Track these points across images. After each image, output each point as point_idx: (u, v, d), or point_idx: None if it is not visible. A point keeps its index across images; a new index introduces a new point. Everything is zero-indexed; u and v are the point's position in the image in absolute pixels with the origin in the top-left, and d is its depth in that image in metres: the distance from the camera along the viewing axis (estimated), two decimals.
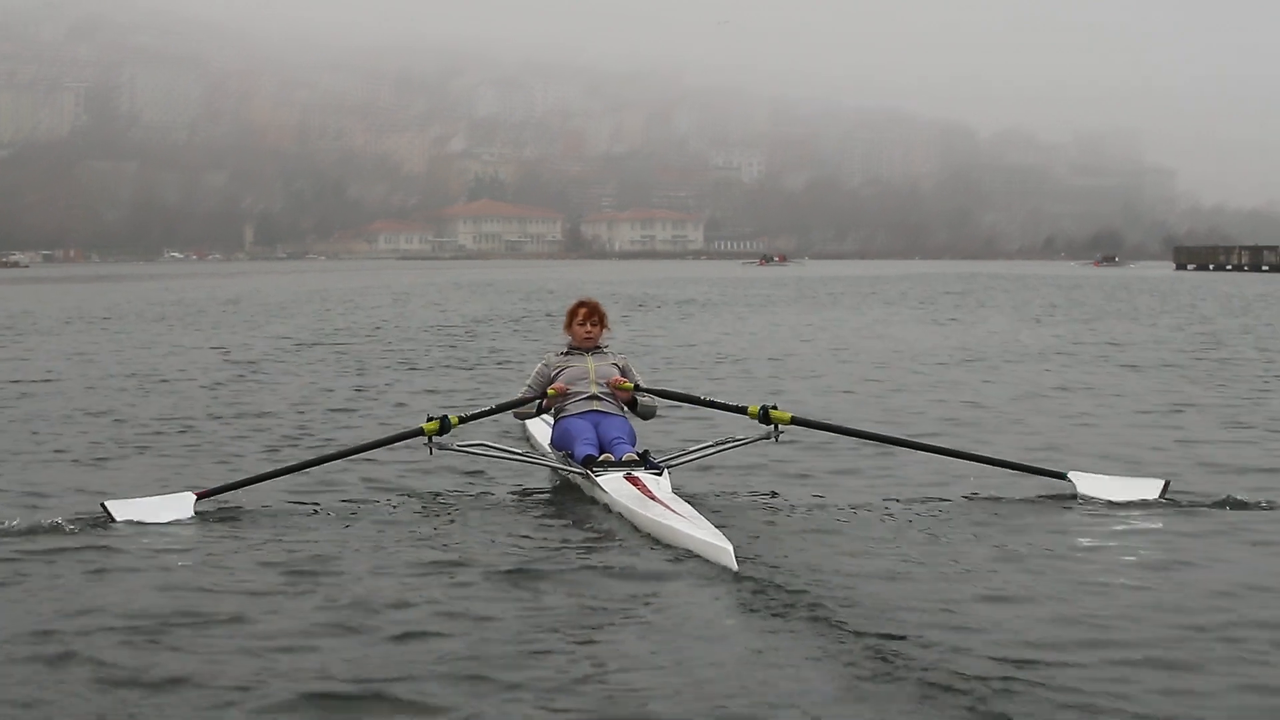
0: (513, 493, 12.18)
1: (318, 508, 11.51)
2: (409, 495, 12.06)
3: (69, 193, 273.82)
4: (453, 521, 10.97)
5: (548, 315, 44.45)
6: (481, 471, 13.00)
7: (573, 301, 13.04)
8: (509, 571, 9.19)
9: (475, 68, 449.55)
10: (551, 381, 12.52)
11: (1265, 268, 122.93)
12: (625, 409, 12.57)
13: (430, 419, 11.98)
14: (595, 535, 10.44)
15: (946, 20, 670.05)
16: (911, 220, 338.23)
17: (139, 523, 10.80)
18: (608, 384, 12.42)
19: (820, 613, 8.13)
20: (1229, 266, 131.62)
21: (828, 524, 10.76)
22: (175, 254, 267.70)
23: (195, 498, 11.36)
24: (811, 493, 12.08)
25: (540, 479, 12.69)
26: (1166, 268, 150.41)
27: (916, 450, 12.70)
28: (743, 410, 12.17)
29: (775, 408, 11.99)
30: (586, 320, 12.71)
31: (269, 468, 12.44)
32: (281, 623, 8.07)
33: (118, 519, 10.85)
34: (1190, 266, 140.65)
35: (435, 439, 11.89)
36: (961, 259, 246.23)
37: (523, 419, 13.89)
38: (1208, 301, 57.07)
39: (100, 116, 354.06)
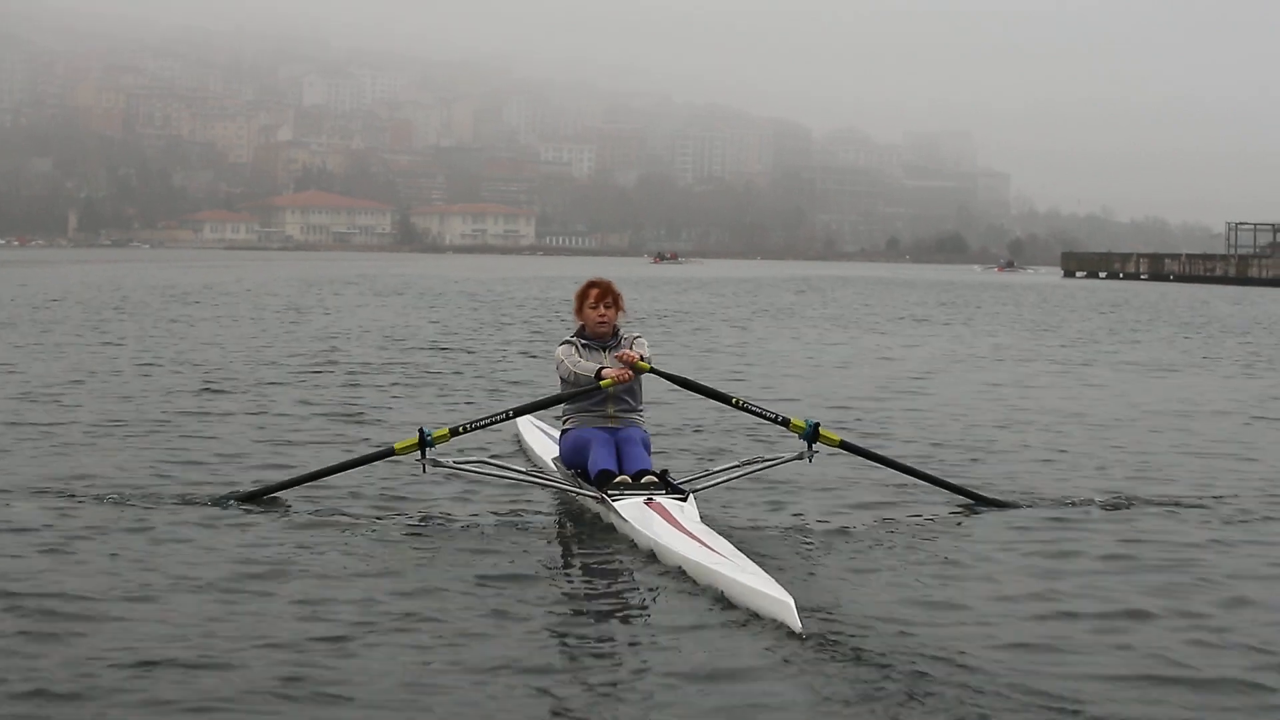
0: (513, 517, 10.86)
1: (260, 524, 10.30)
2: (389, 519, 10.67)
3: None
4: (442, 552, 9.63)
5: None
6: (476, 492, 11.65)
7: (582, 283, 11.67)
8: (511, 619, 7.96)
9: (303, 56, 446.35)
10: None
11: (1170, 276, 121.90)
12: (643, 415, 11.39)
13: (421, 431, 10.74)
14: (612, 571, 9.23)
15: (777, 19, 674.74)
16: (746, 219, 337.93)
17: None
18: (619, 356, 11.06)
19: (921, 689, 6.86)
20: (1121, 275, 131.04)
21: (890, 561, 9.56)
22: None
23: None
24: (858, 520, 10.90)
25: (546, 501, 11.44)
26: (1053, 274, 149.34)
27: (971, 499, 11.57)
28: (785, 422, 11.00)
29: (821, 425, 10.95)
30: (599, 302, 11.36)
31: None
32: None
33: None
34: (1080, 274, 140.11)
35: (428, 454, 10.61)
36: (803, 260, 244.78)
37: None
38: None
39: None
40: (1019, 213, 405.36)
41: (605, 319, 11.39)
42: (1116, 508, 11.39)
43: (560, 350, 11.37)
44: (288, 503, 11.07)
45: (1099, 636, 7.85)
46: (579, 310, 11.50)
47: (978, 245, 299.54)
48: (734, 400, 11.33)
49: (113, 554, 9.23)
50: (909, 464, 12.09)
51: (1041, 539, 10.37)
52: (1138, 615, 8.30)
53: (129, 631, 7.58)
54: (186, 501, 10.97)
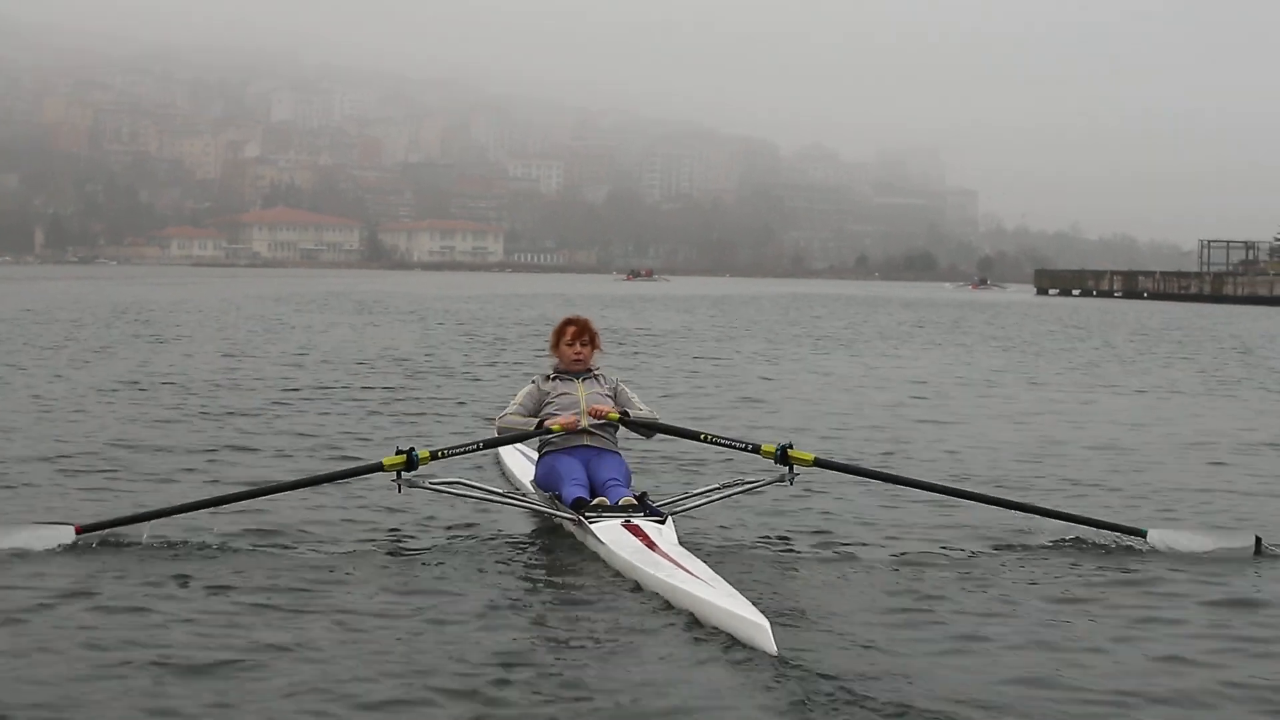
0: (490, 539, 10.76)
1: (243, 550, 10.14)
2: (365, 542, 10.56)
3: None
4: (417, 574, 9.56)
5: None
6: (453, 513, 11.52)
7: (560, 320, 11.81)
8: (484, 642, 7.89)
9: (272, 72, 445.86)
10: (543, 404, 11.34)
11: (1145, 294, 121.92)
12: (619, 444, 11.40)
13: (399, 451, 10.60)
14: (589, 594, 9.09)
15: (743, 38, 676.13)
16: (715, 236, 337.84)
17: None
18: (591, 411, 11.12)
19: (896, 716, 6.84)
20: (1095, 292, 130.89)
21: (868, 585, 9.45)
22: None
23: (75, 532, 9.96)
24: (835, 543, 10.78)
25: (523, 523, 11.36)
26: (1026, 292, 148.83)
27: (959, 499, 11.41)
28: (755, 449, 10.94)
29: (792, 446, 10.83)
30: (576, 340, 11.49)
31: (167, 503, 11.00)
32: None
33: None
34: (1053, 291, 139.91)
35: (404, 475, 10.51)
36: (772, 277, 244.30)
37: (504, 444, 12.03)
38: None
39: None
40: (987, 230, 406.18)
41: (581, 357, 11.50)
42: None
43: (526, 390, 11.56)
44: (256, 525, 10.90)
45: (1112, 682, 7.49)
46: (555, 346, 11.64)
47: (947, 263, 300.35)
48: (702, 435, 11.37)
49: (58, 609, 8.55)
50: (891, 472, 12.30)
51: (1047, 561, 10.27)
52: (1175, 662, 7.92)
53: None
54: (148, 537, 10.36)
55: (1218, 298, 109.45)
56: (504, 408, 11.64)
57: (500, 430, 11.31)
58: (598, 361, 11.70)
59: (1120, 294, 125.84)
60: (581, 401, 11.27)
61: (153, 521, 10.39)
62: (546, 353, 12.03)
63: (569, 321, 11.65)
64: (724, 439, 11.28)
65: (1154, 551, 10.47)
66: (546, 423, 11.08)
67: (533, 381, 11.60)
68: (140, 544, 10.12)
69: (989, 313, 75.64)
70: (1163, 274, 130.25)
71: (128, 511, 10.87)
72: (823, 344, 40.59)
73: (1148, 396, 24.96)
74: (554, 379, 11.48)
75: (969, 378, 28.50)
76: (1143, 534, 10.67)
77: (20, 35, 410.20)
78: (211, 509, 10.73)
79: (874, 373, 29.44)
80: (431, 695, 7.02)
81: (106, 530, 10.15)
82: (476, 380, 25.25)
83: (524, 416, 11.26)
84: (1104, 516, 11.18)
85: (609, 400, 11.37)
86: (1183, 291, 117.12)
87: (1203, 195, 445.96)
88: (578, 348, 11.48)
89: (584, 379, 11.47)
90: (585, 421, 11.12)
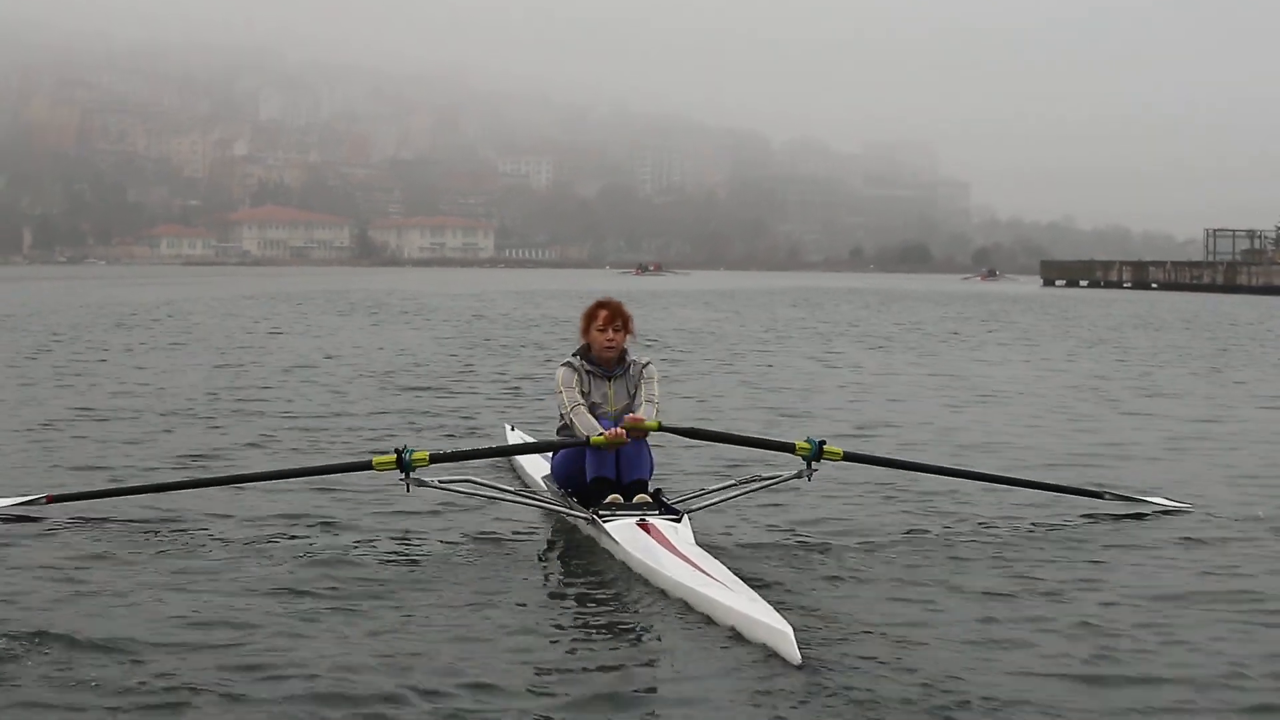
0: (500, 538, 10.45)
1: (246, 541, 10.05)
2: (373, 541, 10.21)
3: None
4: (426, 573, 9.26)
5: None
6: (463, 510, 11.19)
7: (590, 303, 11.12)
8: (496, 645, 7.66)
9: (259, 69, 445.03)
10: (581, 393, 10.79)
11: (1154, 285, 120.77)
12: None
13: (395, 451, 10.26)
14: (603, 595, 8.80)
15: (729, 32, 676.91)
16: (708, 229, 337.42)
17: None
18: (625, 423, 10.44)
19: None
20: (1103, 284, 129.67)
21: (896, 584, 9.00)
22: None
23: (47, 501, 10.49)
24: (860, 541, 10.36)
25: (535, 521, 11.02)
26: (1032, 283, 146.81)
27: (984, 482, 11.61)
28: (790, 447, 10.59)
29: (825, 442, 10.52)
30: (608, 325, 10.83)
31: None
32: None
33: None
34: (1059, 283, 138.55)
35: (412, 474, 10.14)
36: (768, 270, 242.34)
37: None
38: None
39: None
40: (980, 221, 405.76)
41: (613, 343, 10.88)
42: None
43: (561, 378, 10.86)
44: (256, 518, 10.80)
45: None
46: (585, 331, 11.00)
47: (942, 255, 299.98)
48: (741, 438, 11.36)
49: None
50: (922, 461, 12.43)
51: (1090, 546, 10.02)
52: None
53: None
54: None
55: (1232, 288, 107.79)
56: (562, 403, 10.84)
57: (567, 420, 10.74)
58: (629, 345, 11.05)
59: (1129, 285, 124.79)
60: (610, 405, 10.83)
61: (127, 498, 10.77)
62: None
63: (601, 305, 10.96)
64: (758, 439, 11.35)
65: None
66: (591, 438, 10.41)
67: (568, 364, 10.92)
68: (118, 523, 10.35)
69: (1017, 306, 72.43)
70: (1174, 264, 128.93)
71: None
72: (860, 342, 37.24)
73: None
74: (588, 371, 10.86)
75: (1055, 382, 25.16)
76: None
77: (5, 34, 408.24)
78: (194, 490, 11.08)
79: (945, 375, 26.38)
80: (440, 694, 6.79)
81: (82, 501, 10.55)
82: (501, 382, 23.98)
83: (589, 419, 10.62)
84: None
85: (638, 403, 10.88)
86: (1194, 282, 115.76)
87: (1195, 186, 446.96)
88: (610, 333, 10.82)
89: (613, 379, 10.90)
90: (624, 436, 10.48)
